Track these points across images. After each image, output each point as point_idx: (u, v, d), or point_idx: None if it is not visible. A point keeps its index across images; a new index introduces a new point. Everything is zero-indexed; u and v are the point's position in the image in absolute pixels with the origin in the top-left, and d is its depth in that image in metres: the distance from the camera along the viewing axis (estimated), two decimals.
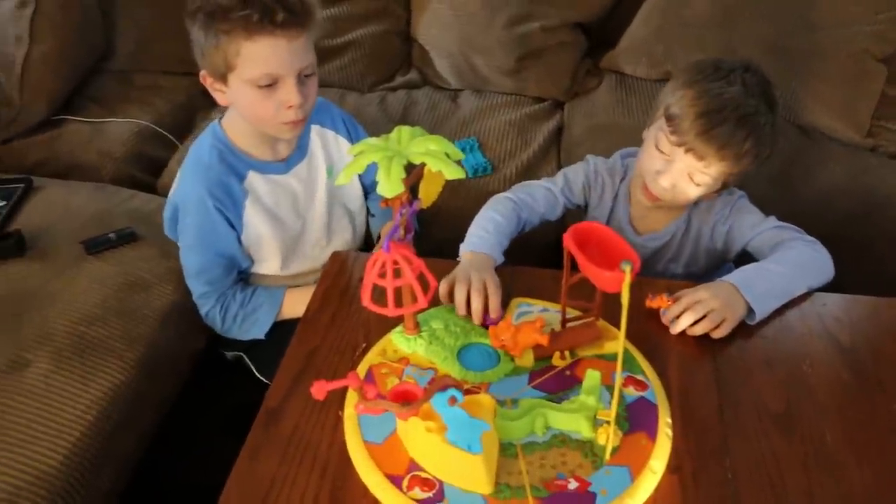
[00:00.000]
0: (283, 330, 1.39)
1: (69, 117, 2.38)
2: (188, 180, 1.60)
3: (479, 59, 2.49)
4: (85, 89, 2.53)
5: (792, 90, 2.21)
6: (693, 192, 1.42)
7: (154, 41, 2.62)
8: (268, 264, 1.71)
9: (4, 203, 1.94)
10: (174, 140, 2.37)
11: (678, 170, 1.39)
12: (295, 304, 1.61)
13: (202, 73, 1.49)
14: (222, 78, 1.47)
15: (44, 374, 1.48)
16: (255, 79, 1.43)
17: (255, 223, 1.63)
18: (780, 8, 2.24)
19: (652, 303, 1.30)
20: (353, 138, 1.77)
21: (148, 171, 2.28)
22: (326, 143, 1.73)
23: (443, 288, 1.29)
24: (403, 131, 1.03)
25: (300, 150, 1.67)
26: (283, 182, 1.66)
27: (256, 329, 1.67)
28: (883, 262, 1.49)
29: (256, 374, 1.73)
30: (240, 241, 1.64)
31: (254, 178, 1.62)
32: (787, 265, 1.35)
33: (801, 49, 2.20)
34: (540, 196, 1.57)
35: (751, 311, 1.28)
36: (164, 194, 2.06)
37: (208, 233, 1.59)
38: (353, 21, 2.55)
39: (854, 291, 1.38)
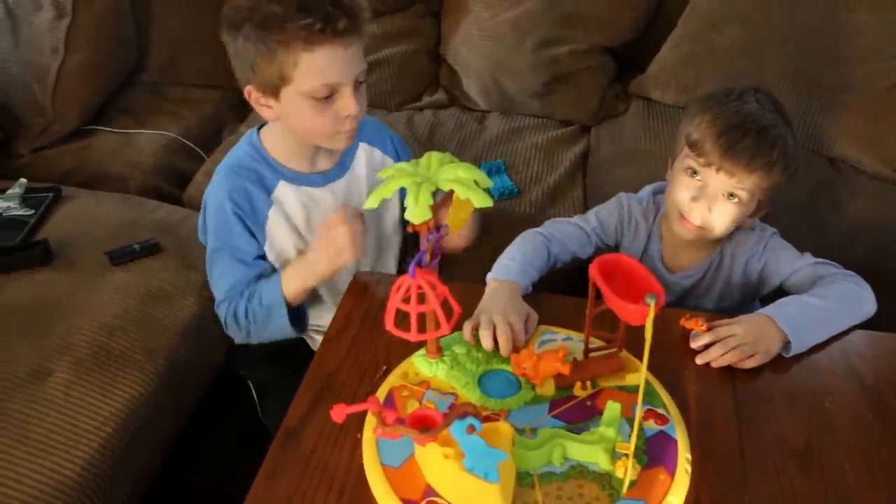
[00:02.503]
0: (295, 375, 1.27)
1: (100, 128, 2.42)
2: (214, 182, 1.55)
3: (507, 81, 2.50)
4: (117, 101, 2.56)
5: (819, 121, 2.20)
6: (730, 212, 1.39)
7: (185, 54, 2.66)
8: None
9: (33, 212, 1.96)
10: (201, 153, 2.39)
11: (713, 191, 1.38)
12: (288, 281, 1.50)
13: (248, 88, 1.41)
14: (274, 92, 1.39)
15: (64, 384, 1.50)
16: (314, 90, 1.35)
17: (279, 236, 1.56)
18: (811, 39, 2.23)
19: (687, 323, 1.30)
20: (401, 160, 1.65)
21: (175, 183, 2.31)
22: (373, 162, 1.64)
23: (466, 330, 1.26)
24: (433, 157, 1.04)
25: (341, 165, 1.59)
26: (317, 196, 1.57)
27: (275, 321, 1.52)
28: None
29: (259, 412, 1.70)
30: (264, 256, 1.57)
31: (283, 189, 1.54)
32: (828, 299, 1.34)
33: (830, 80, 2.20)
34: (571, 233, 1.55)
35: (787, 343, 1.28)
36: (190, 206, 2.08)
37: (226, 238, 1.53)
38: (382, 39, 2.57)
39: (880, 327, 1.36)
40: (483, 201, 0.98)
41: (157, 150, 2.34)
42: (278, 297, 1.49)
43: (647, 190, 1.61)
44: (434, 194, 0.99)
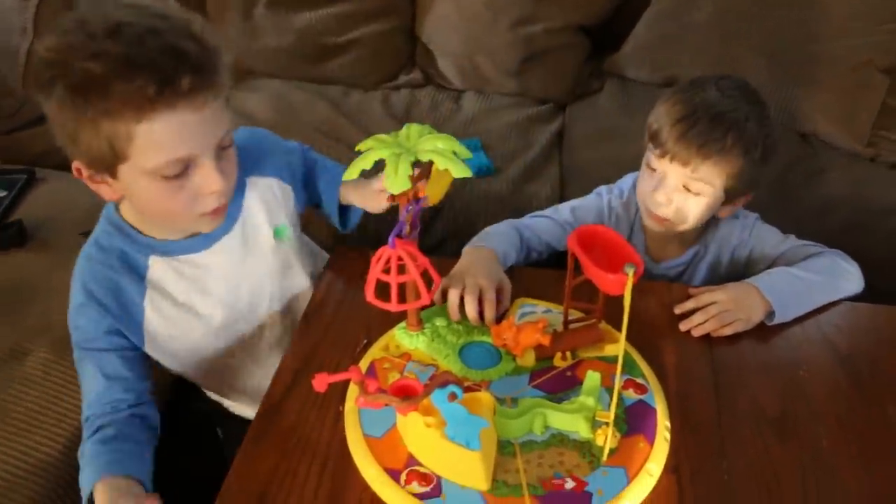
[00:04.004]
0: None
1: None
2: (73, 282, 1.23)
3: (482, 60, 2.50)
4: None
5: (793, 97, 2.21)
6: (695, 205, 1.39)
7: None
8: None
9: (6, 193, 1.95)
10: None
11: (671, 184, 1.38)
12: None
13: (75, 164, 1.07)
14: (108, 169, 1.06)
15: (43, 363, 1.50)
16: (159, 168, 1.04)
17: (161, 326, 1.25)
18: (784, 16, 2.24)
19: None
20: (302, 178, 1.40)
21: None
22: (268, 194, 1.31)
23: (438, 292, 1.24)
24: (412, 128, 1.04)
25: (228, 216, 1.23)
26: (205, 261, 1.25)
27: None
28: (882, 272, 1.50)
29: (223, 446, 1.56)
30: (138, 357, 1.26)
31: (157, 266, 1.22)
32: (814, 272, 1.36)
33: (804, 57, 2.21)
34: (542, 225, 1.53)
35: (771, 313, 1.29)
36: None
37: (91, 339, 1.21)
38: (357, 19, 2.55)
39: (852, 300, 1.38)
40: (461, 172, 0.98)
41: None
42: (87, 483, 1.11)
43: (627, 181, 1.59)
44: (412, 165, 0.99)
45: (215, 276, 1.27)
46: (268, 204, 1.31)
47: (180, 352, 1.31)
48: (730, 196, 1.42)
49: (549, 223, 1.53)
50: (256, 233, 1.30)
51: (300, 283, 1.39)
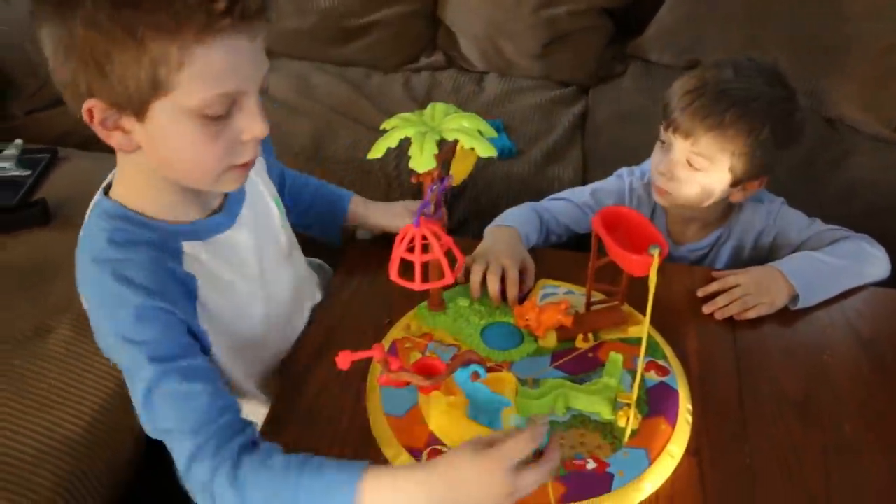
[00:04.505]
0: None
1: None
2: (99, 301, 0.99)
3: (505, 43, 2.49)
4: None
5: (819, 81, 2.20)
6: (695, 182, 1.38)
7: None
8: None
9: (30, 173, 1.96)
10: None
11: (674, 157, 1.38)
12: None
13: (89, 104, 0.87)
14: (138, 109, 0.88)
15: (66, 340, 1.50)
16: (205, 104, 0.88)
17: (216, 309, 1.07)
18: None
19: None
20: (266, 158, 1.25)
21: None
22: (256, 164, 1.09)
23: (461, 271, 1.21)
24: (437, 107, 1.04)
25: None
26: (232, 240, 1.10)
27: None
28: None
29: None
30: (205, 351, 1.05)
31: (193, 252, 1.04)
32: (839, 257, 1.35)
33: (831, 40, 2.19)
34: (560, 207, 1.53)
35: (795, 297, 1.29)
36: None
37: (171, 346, 0.96)
38: (379, 1, 2.55)
39: (879, 285, 1.37)
40: (487, 151, 0.98)
41: None
42: None
43: (649, 163, 1.57)
44: (438, 144, 0.99)
45: (244, 254, 1.13)
46: (259, 174, 1.19)
47: (235, 336, 1.13)
48: (739, 179, 1.39)
49: (568, 206, 1.53)
50: (263, 199, 1.19)
51: (302, 263, 1.32)
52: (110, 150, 0.97)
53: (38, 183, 1.94)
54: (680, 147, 1.36)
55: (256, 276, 1.15)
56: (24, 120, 2.30)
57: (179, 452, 0.93)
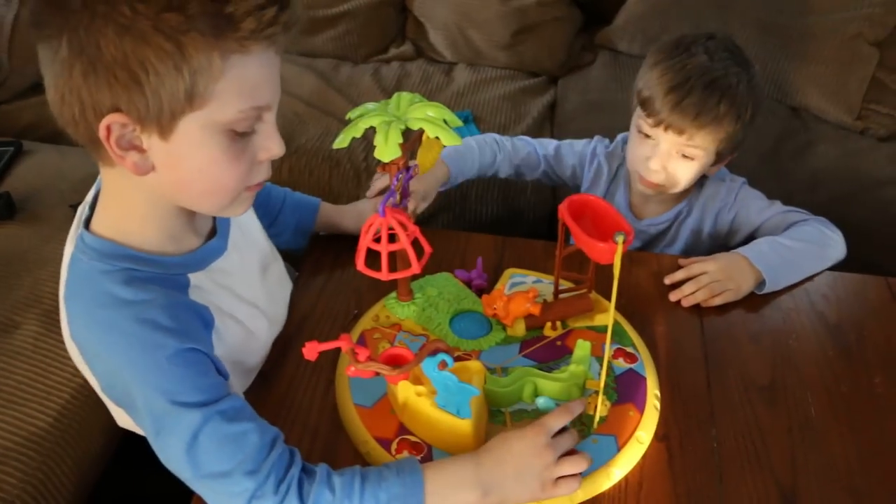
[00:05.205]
0: None
1: None
2: (114, 350, 0.90)
3: (474, 33, 2.49)
4: None
5: (784, 70, 2.22)
6: (687, 169, 1.41)
7: None
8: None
9: None
10: None
11: (664, 150, 1.39)
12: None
13: (109, 120, 0.80)
14: (165, 126, 0.82)
15: (33, 336, 1.49)
16: (236, 119, 0.84)
17: (229, 344, 1.04)
18: None
19: None
20: None
21: None
22: None
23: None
24: (403, 97, 1.03)
25: None
26: (226, 266, 1.06)
27: None
28: (870, 242, 1.51)
29: None
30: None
31: (198, 283, 1.00)
32: (800, 241, 1.36)
33: (796, 30, 2.21)
34: (523, 151, 1.60)
35: (761, 283, 1.30)
36: None
37: (208, 390, 0.90)
38: None
39: (841, 269, 1.39)
40: (452, 140, 0.97)
41: None
42: None
43: (619, 137, 1.62)
44: (403, 134, 0.99)
45: (241, 275, 1.10)
46: None
47: (244, 362, 1.12)
48: (720, 157, 1.43)
49: (530, 151, 1.61)
50: (245, 216, 1.11)
51: (285, 273, 1.29)
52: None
53: (2, 176, 1.92)
54: (672, 142, 1.38)
55: (255, 297, 1.12)
56: None
57: (238, 495, 0.88)
